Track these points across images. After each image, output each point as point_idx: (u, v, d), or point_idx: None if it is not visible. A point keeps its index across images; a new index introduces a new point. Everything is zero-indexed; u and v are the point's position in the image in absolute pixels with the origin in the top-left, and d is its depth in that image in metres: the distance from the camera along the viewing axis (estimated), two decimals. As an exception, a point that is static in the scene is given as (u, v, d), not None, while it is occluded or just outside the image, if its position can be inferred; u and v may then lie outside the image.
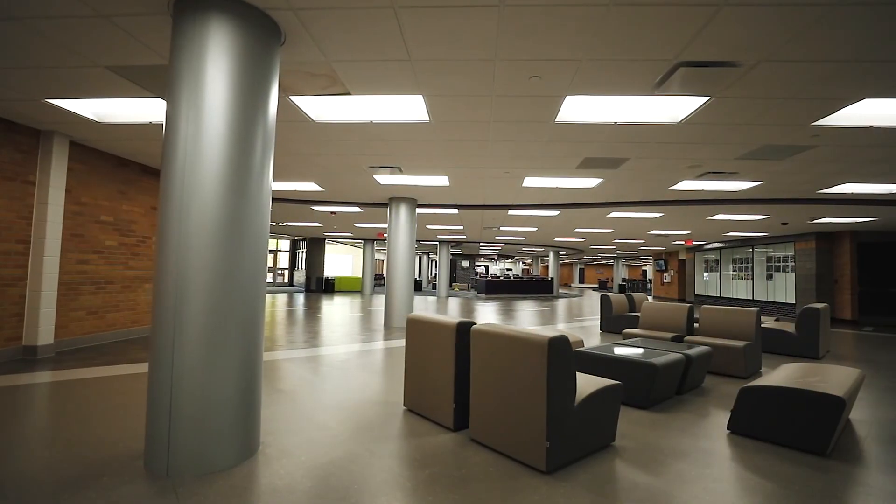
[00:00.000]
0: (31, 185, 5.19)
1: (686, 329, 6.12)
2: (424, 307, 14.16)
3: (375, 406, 3.77)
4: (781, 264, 14.92)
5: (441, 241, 21.02)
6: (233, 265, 2.52)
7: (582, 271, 49.06)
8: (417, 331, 3.56)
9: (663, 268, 23.97)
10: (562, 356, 2.59)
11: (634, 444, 3.08)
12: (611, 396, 2.98)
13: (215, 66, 2.51)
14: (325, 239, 21.71)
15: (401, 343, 7.01)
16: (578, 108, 4.21)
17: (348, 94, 3.89)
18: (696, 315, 8.28)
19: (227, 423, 2.50)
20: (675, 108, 4.18)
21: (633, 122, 4.43)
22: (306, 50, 3.14)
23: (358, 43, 3.04)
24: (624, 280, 33.12)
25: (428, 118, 4.46)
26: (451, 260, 34.19)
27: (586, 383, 2.98)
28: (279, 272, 26.39)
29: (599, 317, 9.28)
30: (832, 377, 3.42)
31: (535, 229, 14.77)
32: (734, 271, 17.58)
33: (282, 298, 15.81)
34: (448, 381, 3.23)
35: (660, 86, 3.59)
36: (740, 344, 5.10)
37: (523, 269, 51.26)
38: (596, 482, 2.49)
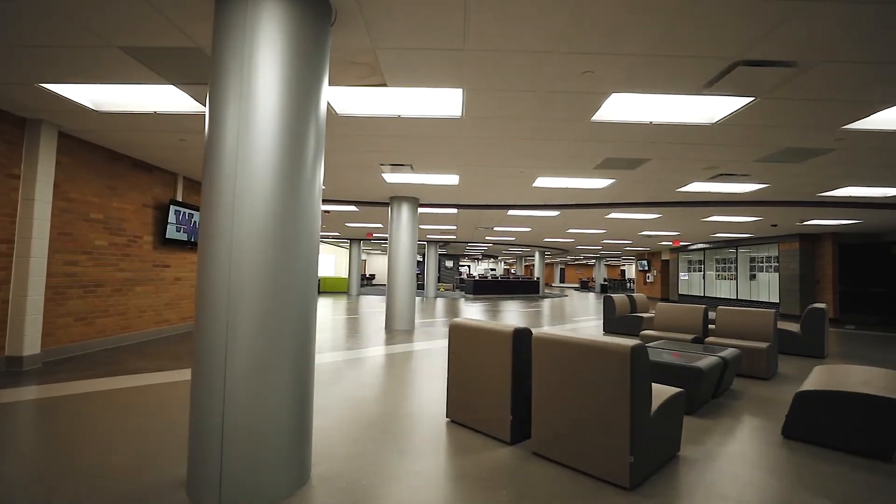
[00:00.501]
0: (16, 179, 4.71)
1: (703, 331, 6.12)
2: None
3: (414, 418, 3.55)
4: (765, 265, 15.39)
5: (430, 241, 20.79)
6: (287, 270, 2.27)
7: (562, 271, 49.68)
8: (463, 337, 3.36)
9: (646, 268, 24.44)
10: (642, 364, 2.45)
11: (699, 453, 2.97)
12: (677, 404, 2.86)
13: (267, 48, 2.25)
14: (309, 238, 21.17)
15: (407, 348, 6.77)
16: (618, 107, 4.10)
17: (384, 85, 3.65)
18: (710, 316, 8.32)
19: (284, 446, 2.24)
20: (713, 108, 4.12)
21: (668, 122, 4.35)
22: (354, 33, 2.89)
23: (413, 28, 2.81)
24: (606, 280, 33.64)
25: (461, 114, 4.26)
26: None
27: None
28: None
29: (602, 318, 9.27)
30: (877, 380, 3.41)
31: (529, 229, 14.74)
32: (717, 271, 18.05)
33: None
34: (503, 391, 3.04)
35: (710, 85, 3.51)
36: (763, 345, 5.12)
37: (504, 270, 51.49)
38: (682, 497, 2.35)
